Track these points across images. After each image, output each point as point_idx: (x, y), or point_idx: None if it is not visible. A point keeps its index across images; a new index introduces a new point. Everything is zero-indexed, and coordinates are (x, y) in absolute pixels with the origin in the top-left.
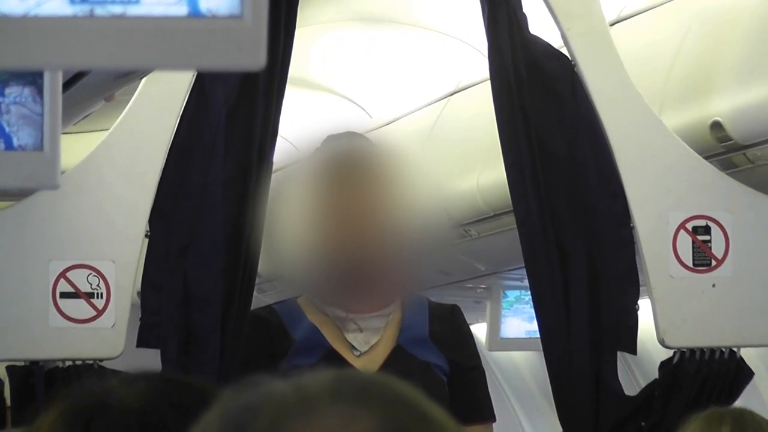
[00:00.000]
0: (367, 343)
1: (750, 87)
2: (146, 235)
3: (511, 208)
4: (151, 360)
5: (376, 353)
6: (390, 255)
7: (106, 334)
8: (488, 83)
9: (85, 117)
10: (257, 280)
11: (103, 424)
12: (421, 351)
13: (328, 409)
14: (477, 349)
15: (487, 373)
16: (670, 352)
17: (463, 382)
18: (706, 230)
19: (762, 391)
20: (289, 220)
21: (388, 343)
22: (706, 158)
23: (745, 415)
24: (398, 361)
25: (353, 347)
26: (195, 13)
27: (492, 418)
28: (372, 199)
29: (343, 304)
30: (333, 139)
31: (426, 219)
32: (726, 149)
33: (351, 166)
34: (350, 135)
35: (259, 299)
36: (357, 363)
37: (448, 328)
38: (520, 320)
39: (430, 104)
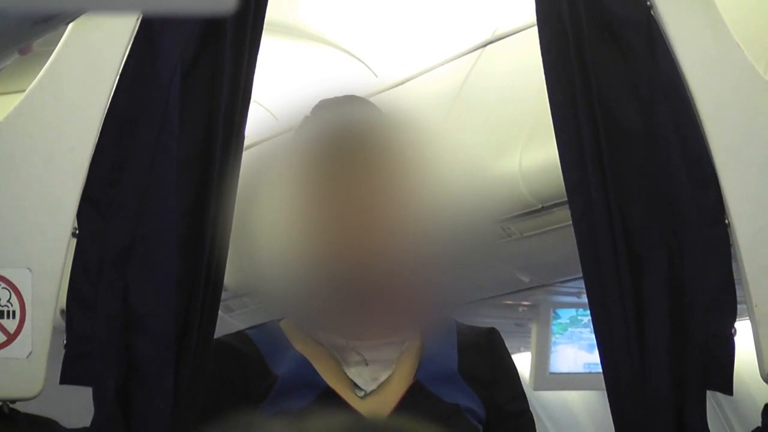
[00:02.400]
0: (374, 380)
1: None
2: (74, 234)
3: (565, 199)
4: (79, 402)
5: (388, 393)
6: (407, 263)
7: (20, 367)
8: (535, 30)
9: None
10: (223, 296)
11: None
12: (448, 390)
13: None
14: (523, 388)
15: None
16: None
17: None
18: None
19: None
20: (268, 216)
21: (403, 380)
22: None
23: None
24: (417, 403)
25: (356, 385)
26: None
27: None
28: (384, 188)
29: (344, 329)
30: (328, 106)
31: (452, 214)
32: None
33: (353, 143)
34: (351, 100)
35: (226, 321)
36: (362, 406)
37: (485, 360)
38: (576, 349)
39: (457, 59)
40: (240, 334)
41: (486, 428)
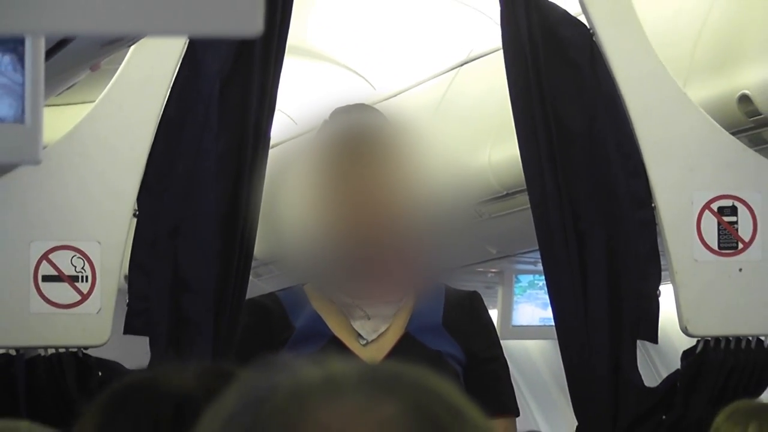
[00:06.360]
0: (375, 331)
1: None
2: (134, 215)
3: (525, 187)
4: (139, 348)
5: (384, 342)
6: (402, 238)
7: (91, 320)
8: (501, 53)
9: (69, 88)
10: (253, 264)
11: None
12: (433, 339)
13: (353, 392)
14: (498, 339)
15: None
16: (694, 341)
17: (482, 374)
18: (733, 211)
19: None
20: (292, 200)
21: (397, 331)
22: (733, 134)
23: None
24: (406, 349)
25: (360, 335)
26: None
27: (514, 412)
28: (386, 178)
29: (351, 290)
30: (343, 112)
31: (436, 199)
32: (755, 124)
33: (364, 142)
34: (361, 107)
35: (255, 284)
36: (363, 352)
37: (466, 316)
38: (534, 306)
39: (439, 75)
40: (271, 295)
41: (466, 371)
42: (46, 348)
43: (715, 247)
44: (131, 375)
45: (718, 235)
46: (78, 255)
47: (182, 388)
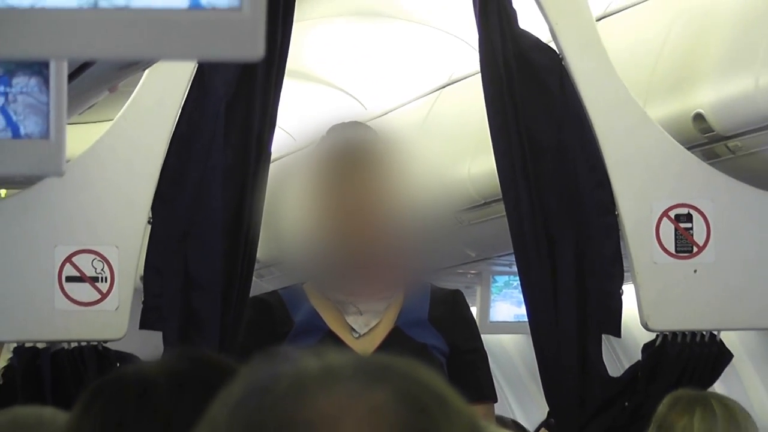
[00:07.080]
0: (366, 325)
1: (731, 80)
2: (149, 222)
3: (501, 197)
4: (153, 342)
5: (374, 335)
6: (391, 242)
7: (110, 317)
8: (479, 76)
9: (90, 107)
10: (256, 266)
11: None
12: (419, 333)
13: (348, 380)
14: (478, 332)
15: None
16: (653, 335)
17: (463, 364)
18: (688, 218)
19: (741, 373)
20: (292, 208)
21: (386, 325)
22: (688, 149)
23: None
24: (395, 342)
25: (353, 329)
26: (195, 5)
27: (493, 398)
28: (378, 189)
29: (345, 288)
30: (338, 129)
31: (421, 207)
32: (708, 140)
33: (357, 156)
34: (355, 125)
35: (258, 284)
36: (355, 345)
37: (449, 312)
38: (509, 304)
39: (423, 96)
40: (273, 293)
41: (449, 361)
42: (69, 342)
43: (673, 250)
44: (117, 370)
45: (675, 239)
46: (98, 258)
47: (149, 373)
